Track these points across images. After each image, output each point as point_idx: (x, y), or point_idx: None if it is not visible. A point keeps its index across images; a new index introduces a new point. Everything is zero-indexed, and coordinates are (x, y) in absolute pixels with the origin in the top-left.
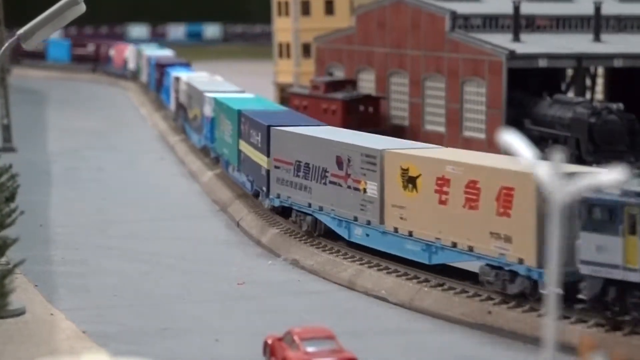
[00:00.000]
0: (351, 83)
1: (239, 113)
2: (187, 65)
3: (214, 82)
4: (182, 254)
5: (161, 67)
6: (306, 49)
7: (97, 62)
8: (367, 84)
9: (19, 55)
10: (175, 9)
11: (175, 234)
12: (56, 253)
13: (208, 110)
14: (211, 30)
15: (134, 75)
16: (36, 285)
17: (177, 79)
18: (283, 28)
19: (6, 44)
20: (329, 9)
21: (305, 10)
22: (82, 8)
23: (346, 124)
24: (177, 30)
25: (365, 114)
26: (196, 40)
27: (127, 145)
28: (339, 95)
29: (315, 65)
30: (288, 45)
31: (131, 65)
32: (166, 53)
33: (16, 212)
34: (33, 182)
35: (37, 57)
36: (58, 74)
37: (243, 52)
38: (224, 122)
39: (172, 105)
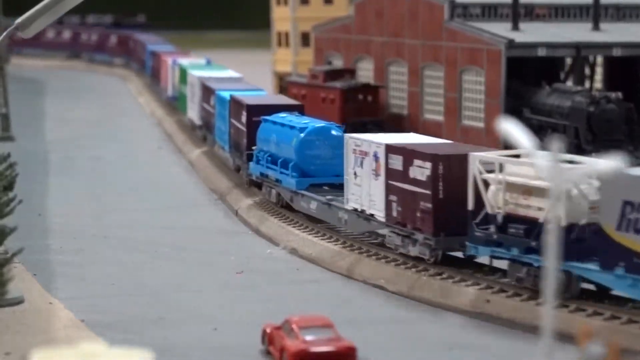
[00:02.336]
0: (350, 72)
1: None
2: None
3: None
4: (180, 243)
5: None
6: (305, 38)
7: None
8: (365, 73)
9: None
10: None
11: (173, 223)
12: (54, 242)
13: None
14: None
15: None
16: (34, 274)
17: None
18: (282, 17)
19: (4, 33)
20: None
21: None
22: None
23: (345, 113)
24: None
25: (364, 103)
26: None
27: (124, 134)
28: (338, 84)
29: (314, 54)
30: (287, 34)
31: (169, 89)
32: (228, 74)
33: (14, 201)
34: (31, 171)
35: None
36: (57, 62)
37: (230, 41)
38: None
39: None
